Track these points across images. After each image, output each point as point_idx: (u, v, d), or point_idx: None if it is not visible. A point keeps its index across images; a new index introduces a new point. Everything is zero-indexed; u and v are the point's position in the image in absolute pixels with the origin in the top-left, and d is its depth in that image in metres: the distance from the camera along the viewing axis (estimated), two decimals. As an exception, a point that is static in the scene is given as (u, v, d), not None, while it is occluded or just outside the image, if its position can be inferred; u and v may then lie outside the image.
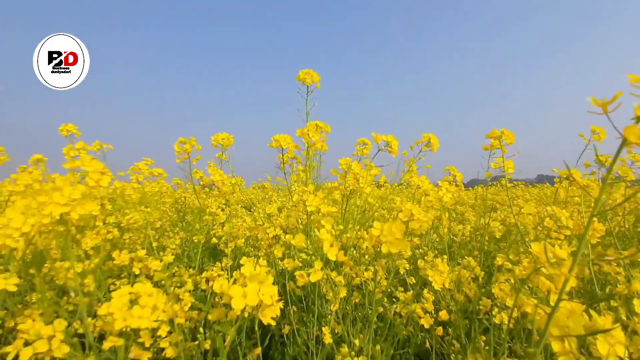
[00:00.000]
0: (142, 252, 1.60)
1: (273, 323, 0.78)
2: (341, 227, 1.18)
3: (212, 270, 1.67)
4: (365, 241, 1.01)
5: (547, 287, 0.89)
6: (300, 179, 1.92)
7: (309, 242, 1.20)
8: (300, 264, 1.28)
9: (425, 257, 1.86)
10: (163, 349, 1.28)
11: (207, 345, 1.36)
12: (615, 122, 0.64)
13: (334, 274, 1.39)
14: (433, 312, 1.63)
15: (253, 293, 0.75)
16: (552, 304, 0.84)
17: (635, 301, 1.08)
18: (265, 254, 1.90)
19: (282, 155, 1.55)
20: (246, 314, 0.79)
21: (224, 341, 1.66)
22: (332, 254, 1.06)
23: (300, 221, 1.64)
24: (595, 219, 1.50)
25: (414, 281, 2.01)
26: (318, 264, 1.12)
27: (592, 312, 0.84)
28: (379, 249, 0.96)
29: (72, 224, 1.04)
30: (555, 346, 0.81)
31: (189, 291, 1.57)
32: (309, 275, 1.11)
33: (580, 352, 0.81)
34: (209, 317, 1.06)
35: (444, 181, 1.55)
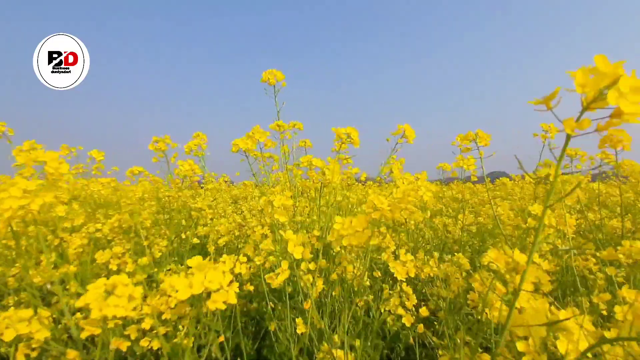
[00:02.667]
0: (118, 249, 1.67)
1: (222, 307, 0.78)
2: (301, 218, 1.18)
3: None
4: (329, 237, 1.02)
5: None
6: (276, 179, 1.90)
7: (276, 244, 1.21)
8: (274, 260, 1.29)
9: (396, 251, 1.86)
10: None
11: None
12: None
13: (311, 265, 1.37)
14: (414, 309, 1.59)
15: (198, 282, 0.77)
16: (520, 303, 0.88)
17: (616, 308, 1.09)
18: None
19: (247, 159, 1.55)
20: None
21: (218, 336, 1.71)
22: (298, 252, 1.08)
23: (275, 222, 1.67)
24: (568, 215, 1.53)
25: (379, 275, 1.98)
26: (285, 264, 1.15)
27: (553, 308, 0.86)
28: (340, 243, 0.97)
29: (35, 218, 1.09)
30: (520, 346, 0.84)
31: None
32: (277, 275, 1.14)
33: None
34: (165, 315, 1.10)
35: (421, 177, 1.50)
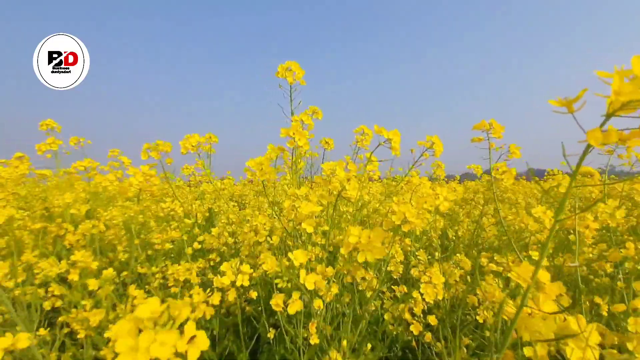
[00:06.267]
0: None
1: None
2: (326, 227, 1.15)
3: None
4: (341, 250, 0.96)
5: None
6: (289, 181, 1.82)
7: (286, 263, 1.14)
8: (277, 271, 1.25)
9: (418, 256, 1.87)
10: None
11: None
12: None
13: (329, 270, 1.30)
14: (421, 316, 1.60)
15: (144, 346, 0.56)
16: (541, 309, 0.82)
17: (630, 320, 1.09)
18: (248, 257, 1.81)
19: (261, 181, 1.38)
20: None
21: (212, 338, 1.68)
22: (310, 282, 1.02)
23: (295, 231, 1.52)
24: (591, 217, 1.47)
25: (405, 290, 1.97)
26: (296, 295, 1.08)
27: (564, 315, 0.83)
28: (355, 256, 0.92)
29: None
30: (527, 351, 0.83)
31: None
32: (286, 305, 1.09)
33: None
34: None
35: (443, 187, 1.45)
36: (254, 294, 1.56)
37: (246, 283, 1.24)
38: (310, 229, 1.10)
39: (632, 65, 0.53)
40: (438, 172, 1.84)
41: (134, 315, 0.59)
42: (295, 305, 1.10)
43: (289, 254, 1.06)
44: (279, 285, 1.13)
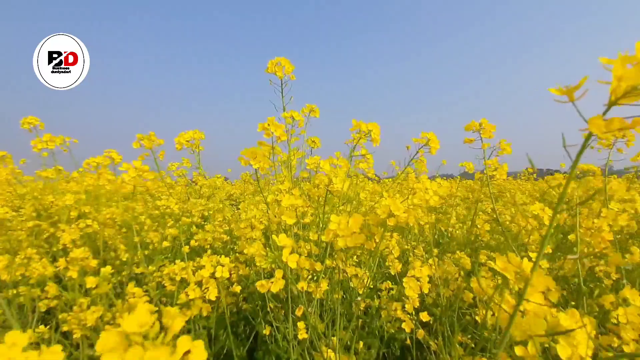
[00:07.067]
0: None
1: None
2: (310, 218, 1.13)
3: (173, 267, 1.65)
4: (323, 237, 0.98)
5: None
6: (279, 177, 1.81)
7: (269, 248, 1.16)
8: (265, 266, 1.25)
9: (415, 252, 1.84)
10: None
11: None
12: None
13: (318, 265, 1.29)
14: (413, 314, 1.58)
15: None
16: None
17: (620, 310, 1.05)
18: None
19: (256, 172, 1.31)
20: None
21: (208, 336, 1.68)
22: (293, 261, 1.02)
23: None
24: (607, 227, 1.41)
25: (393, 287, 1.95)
26: (279, 273, 1.09)
27: (555, 312, 0.81)
28: (335, 243, 0.92)
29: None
30: (518, 350, 0.79)
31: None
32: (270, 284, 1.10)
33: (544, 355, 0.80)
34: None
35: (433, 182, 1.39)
36: (237, 288, 1.57)
37: (226, 275, 1.24)
38: (290, 221, 1.09)
39: (636, 50, 0.51)
40: (421, 167, 1.80)
41: (121, 329, 0.52)
42: (278, 284, 1.12)
43: (273, 236, 1.06)
44: (263, 266, 1.13)
